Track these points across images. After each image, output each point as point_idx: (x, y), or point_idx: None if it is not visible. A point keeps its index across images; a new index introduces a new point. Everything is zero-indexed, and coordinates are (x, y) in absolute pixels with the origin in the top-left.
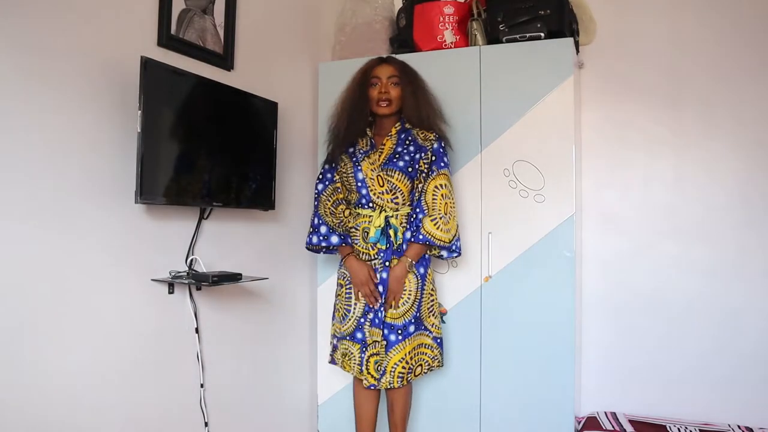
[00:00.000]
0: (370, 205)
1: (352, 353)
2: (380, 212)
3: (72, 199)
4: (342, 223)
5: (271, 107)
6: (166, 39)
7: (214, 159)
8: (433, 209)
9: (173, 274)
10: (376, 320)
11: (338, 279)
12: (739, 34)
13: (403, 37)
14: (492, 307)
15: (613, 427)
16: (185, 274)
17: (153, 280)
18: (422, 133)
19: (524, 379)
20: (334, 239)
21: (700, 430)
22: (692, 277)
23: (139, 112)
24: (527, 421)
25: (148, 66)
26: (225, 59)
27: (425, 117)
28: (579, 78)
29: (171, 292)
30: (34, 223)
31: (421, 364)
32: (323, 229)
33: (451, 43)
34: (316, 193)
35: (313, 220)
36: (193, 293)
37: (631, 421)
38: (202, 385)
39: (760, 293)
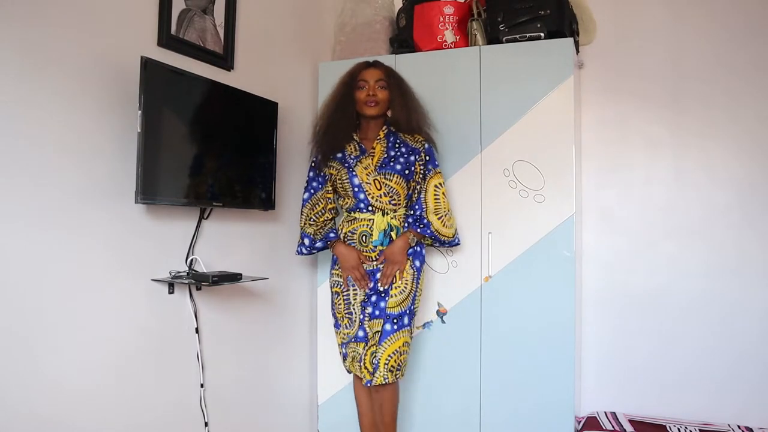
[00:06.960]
0: (369, 208)
1: (358, 353)
2: (382, 215)
3: (72, 199)
4: (323, 230)
5: (271, 107)
6: (166, 39)
7: (214, 159)
8: (437, 207)
9: (173, 274)
10: (376, 312)
11: (332, 287)
12: (738, 35)
13: (403, 37)
14: (492, 307)
15: (613, 427)
16: (185, 274)
17: (153, 280)
18: (410, 137)
19: (524, 379)
20: (319, 245)
21: (700, 430)
22: (692, 277)
23: (139, 112)
24: (527, 421)
25: (148, 66)
26: (225, 59)
27: (413, 120)
28: (579, 78)
29: (171, 292)
30: (35, 223)
31: (404, 364)
32: (306, 241)
33: (451, 43)
34: (302, 202)
35: (300, 232)
36: (193, 293)
37: (631, 421)
38: (202, 385)
39: (760, 292)
